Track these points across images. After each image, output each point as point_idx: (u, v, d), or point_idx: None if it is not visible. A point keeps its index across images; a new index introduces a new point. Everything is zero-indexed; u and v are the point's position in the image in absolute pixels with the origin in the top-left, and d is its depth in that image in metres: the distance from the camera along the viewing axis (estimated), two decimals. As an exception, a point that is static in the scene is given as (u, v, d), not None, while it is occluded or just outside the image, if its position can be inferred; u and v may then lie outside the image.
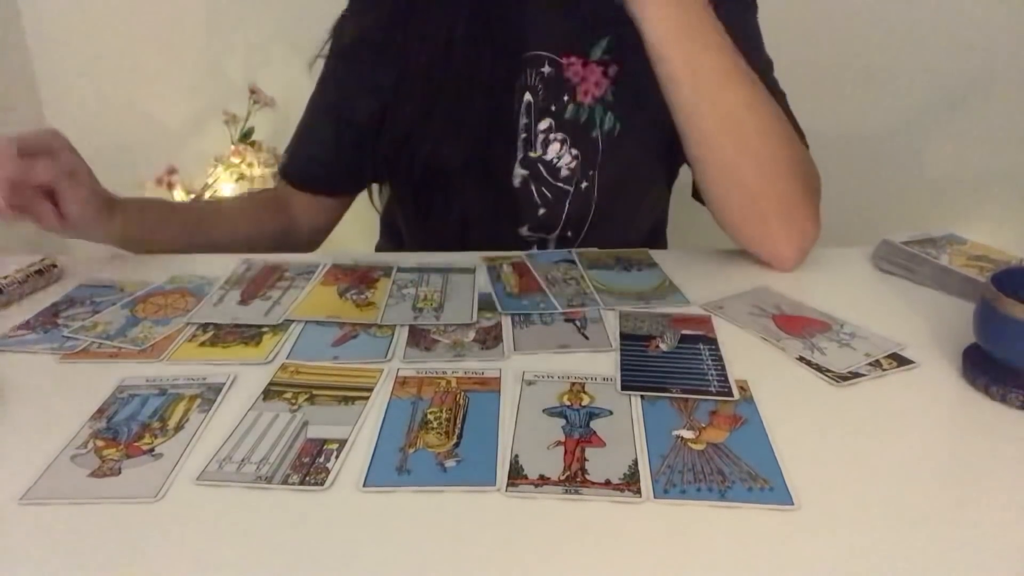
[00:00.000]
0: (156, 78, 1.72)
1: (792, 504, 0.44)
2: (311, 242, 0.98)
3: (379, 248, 1.07)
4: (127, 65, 1.71)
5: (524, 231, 0.89)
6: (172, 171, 1.69)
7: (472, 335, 0.64)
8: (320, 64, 0.91)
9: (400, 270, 0.75)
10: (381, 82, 0.84)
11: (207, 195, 1.66)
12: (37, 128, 0.73)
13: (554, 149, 0.85)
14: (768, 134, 0.72)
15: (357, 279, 0.74)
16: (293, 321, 0.66)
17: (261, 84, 1.66)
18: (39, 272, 0.73)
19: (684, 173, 0.94)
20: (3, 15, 1.64)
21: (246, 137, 1.67)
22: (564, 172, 0.85)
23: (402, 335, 0.63)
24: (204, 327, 0.65)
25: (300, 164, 0.94)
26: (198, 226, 0.88)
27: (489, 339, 0.63)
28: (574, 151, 0.85)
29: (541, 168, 0.85)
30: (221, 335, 0.64)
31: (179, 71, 1.71)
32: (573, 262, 0.78)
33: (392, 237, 1.03)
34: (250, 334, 0.64)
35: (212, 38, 1.70)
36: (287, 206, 0.95)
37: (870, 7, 1.59)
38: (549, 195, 0.86)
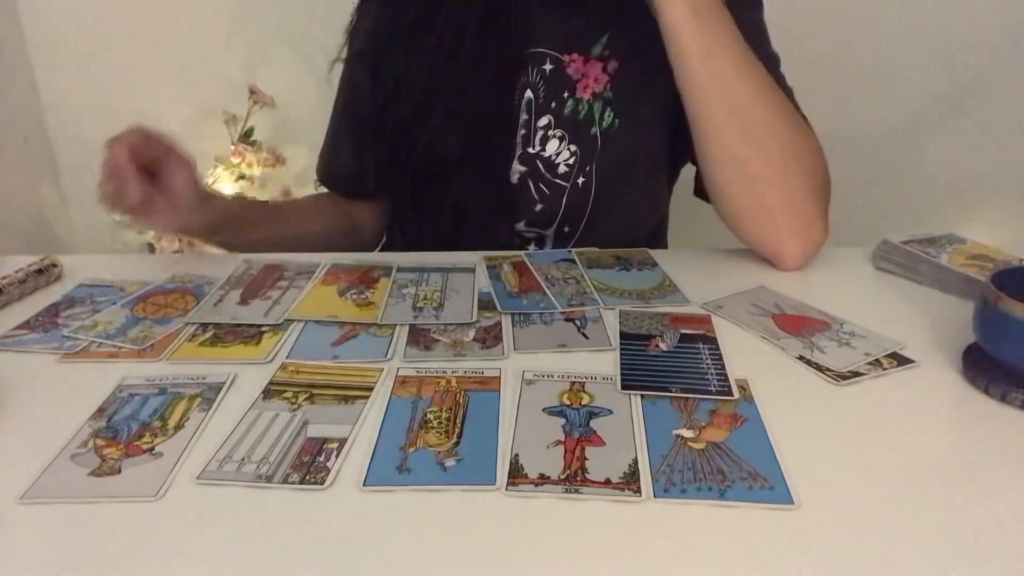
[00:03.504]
0: (156, 78, 1.72)
1: (792, 503, 0.44)
2: (375, 239, 1.02)
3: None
4: (127, 65, 1.70)
5: (521, 226, 0.89)
6: (172, 171, 1.69)
7: (472, 334, 0.64)
8: (338, 69, 0.94)
9: (400, 269, 0.75)
10: (388, 76, 0.86)
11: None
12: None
13: (553, 146, 0.85)
14: (777, 124, 0.72)
15: (357, 279, 0.74)
16: (293, 321, 0.66)
17: (261, 84, 1.66)
18: (39, 272, 0.73)
19: (685, 172, 0.94)
20: (3, 15, 1.64)
21: (246, 137, 1.67)
22: (562, 168, 0.85)
23: (402, 334, 0.63)
24: (204, 327, 0.65)
25: (334, 171, 0.98)
26: (275, 220, 0.93)
27: (489, 338, 0.63)
28: (572, 147, 0.85)
29: (539, 164, 0.85)
30: (221, 335, 0.64)
31: (179, 71, 1.71)
32: (573, 261, 0.78)
33: (388, 234, 1.03)
34: (250, 334, 0.64)
35: (212, 38, 1.69)
36: (346, 208, 0.99)
37: (871, 7, 1.59)
38: (547, 191, 0.86)
